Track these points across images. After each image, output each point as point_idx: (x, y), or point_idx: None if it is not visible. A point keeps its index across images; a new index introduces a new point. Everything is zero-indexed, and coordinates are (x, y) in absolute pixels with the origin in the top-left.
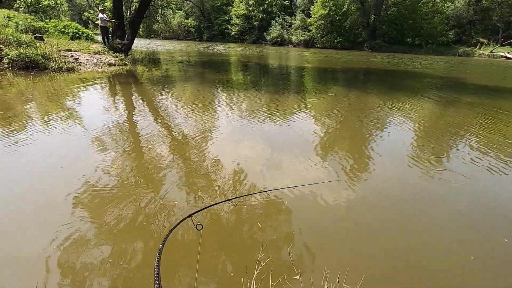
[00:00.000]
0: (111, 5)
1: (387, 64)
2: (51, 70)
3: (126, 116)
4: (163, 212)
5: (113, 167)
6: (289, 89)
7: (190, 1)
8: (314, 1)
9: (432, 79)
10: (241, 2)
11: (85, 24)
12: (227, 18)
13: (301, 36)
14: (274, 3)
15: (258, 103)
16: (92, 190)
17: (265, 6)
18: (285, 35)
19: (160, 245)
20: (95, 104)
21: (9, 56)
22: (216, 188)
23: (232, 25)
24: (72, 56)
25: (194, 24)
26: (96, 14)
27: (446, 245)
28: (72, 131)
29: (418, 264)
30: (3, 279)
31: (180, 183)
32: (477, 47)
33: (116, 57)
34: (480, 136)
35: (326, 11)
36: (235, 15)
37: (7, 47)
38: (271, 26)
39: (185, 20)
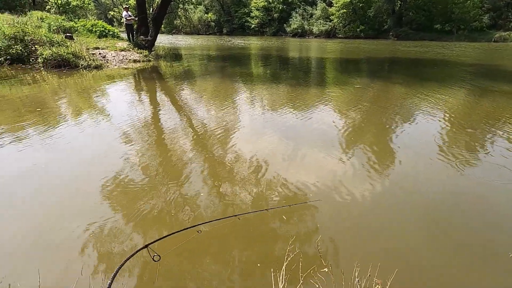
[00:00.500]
0: (135, 2)
1: (415, 53)
2: (81, 68)
3: (151, 112)
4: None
5: (142, 159)
6: (311, 81)
7: None
8: None
9: (465, 67)
10: None
11: (110, 22)
12: (246, 11)
13: (323, 26)
14: None
15: (280, 96)
16: (122, 184)
17: None
18: (305, 26)
19: None
20: (123, 100)
21: (44, 56)
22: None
23: (252, 17)
24: (99, 53)
25: (214, 18)
26: (120, 12)
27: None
28: (102, 125)
29: (457, 264)
30: (43, 262)
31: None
32: None
33: (141, 53)
34: None
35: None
36: (254, 7)
37: (41, 47)
38: (291, 17)
39: (205, 15)
